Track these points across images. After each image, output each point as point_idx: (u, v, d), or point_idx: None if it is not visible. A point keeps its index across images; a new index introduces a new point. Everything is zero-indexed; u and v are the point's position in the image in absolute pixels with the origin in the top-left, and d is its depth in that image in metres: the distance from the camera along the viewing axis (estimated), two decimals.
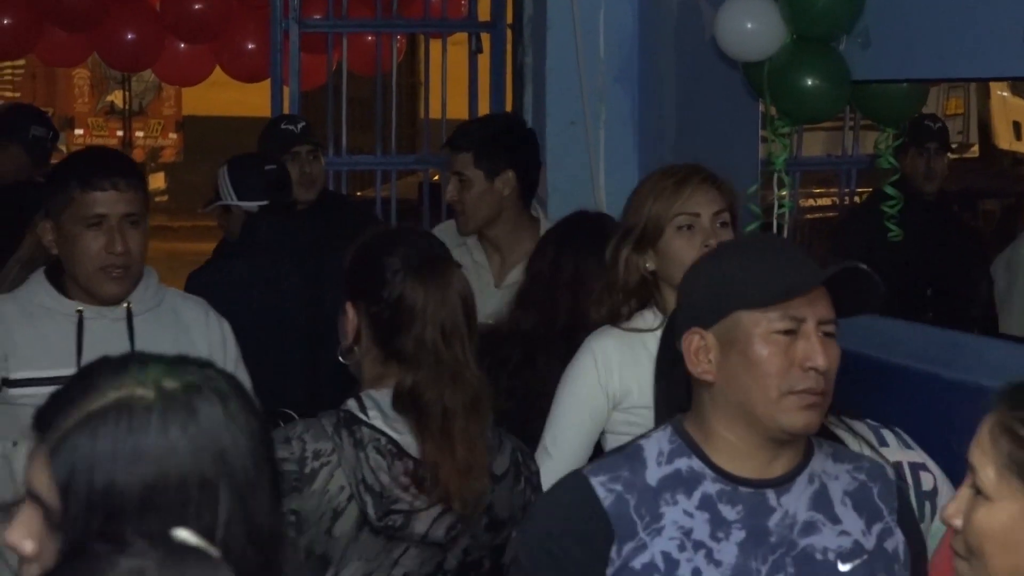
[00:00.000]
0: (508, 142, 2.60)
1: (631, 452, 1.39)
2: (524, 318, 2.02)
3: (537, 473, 1.70)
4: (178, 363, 0.84)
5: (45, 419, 0.79)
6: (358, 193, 3.91)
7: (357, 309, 1.57)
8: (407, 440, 1.51)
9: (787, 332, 1.25)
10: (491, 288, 2.51)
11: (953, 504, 1.05)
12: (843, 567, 1.32)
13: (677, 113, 3.01)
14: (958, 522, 1.01)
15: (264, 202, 2.85)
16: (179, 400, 0.80)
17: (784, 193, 2.65)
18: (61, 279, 2.01)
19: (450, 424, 1.52)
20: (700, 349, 1.30)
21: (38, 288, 2.03)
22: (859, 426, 1.73)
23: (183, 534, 0.70)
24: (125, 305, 1.94)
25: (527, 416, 1.88)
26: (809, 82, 2.45)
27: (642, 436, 1.43)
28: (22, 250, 2.64)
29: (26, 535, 0.79)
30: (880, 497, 1.37)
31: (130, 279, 1.93)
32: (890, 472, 1.45)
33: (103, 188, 1.85)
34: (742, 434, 1.30)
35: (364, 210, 3.46)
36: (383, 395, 1.53)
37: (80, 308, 1.97)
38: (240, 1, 5.07)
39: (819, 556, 1.32)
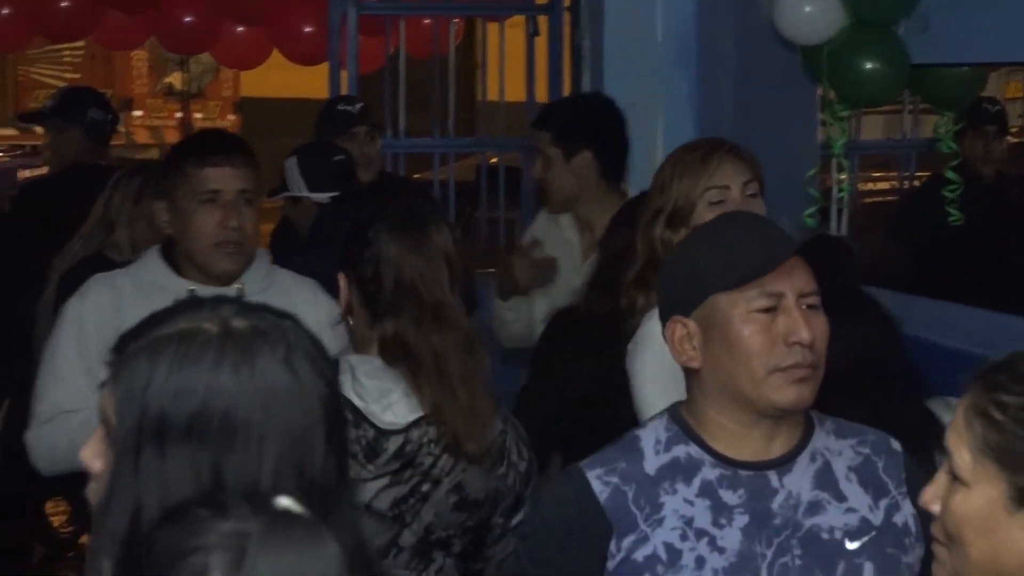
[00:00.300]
0: (586, 122, 2.62)
1: (628, 443, 1.37)
2: (598, 301, 2.03)
3: (530, 462, 1.67)
4: (256, 308, 0.86)
5: (123, 343, 0.83)
6: (415, 176, 4.01)
7: (348, 278, 1.58)
8: (373, 408, 1.50)
9: (767, 310, 1.24)
10: (578, 264, 2.55)
11: (931, 489, 1.02)
12: (851, 545, 1.30)
13: (735, 96, 3.04)
14: (936, 507, 0.99)
15: (335, 193, 2.87)
16: (240, 340, 0.81)
17: (843, 177, 2.66)
18: (175, 258, 2.02)
19: (444, 366, 1.51)
20: (683, 337, 1.29)
21: (152, 265, 2.05)
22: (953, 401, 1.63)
23: (285, 502, 0.70)
24: (238, 285, 1.93)
25: (612, 399, 1.87)
26: (867, 66, 2.47)
27: (638, 426, 1.43)
28: (85, 227, 2.76)
29: (96, 454, 0.84)
30: (886, 471, 1.35)
31: (243, 256, 1.93)
32: (895, 444, 1.41)
33: (218, 164, 1.87)
34: (736, 417, 1.28)
35: (422, 192, 3.52)
36: (363, 359, 1.53)
37: (192, 287, 1.92)
38: None
39: (825, 536, 1.30)
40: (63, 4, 5.13)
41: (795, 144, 2.79)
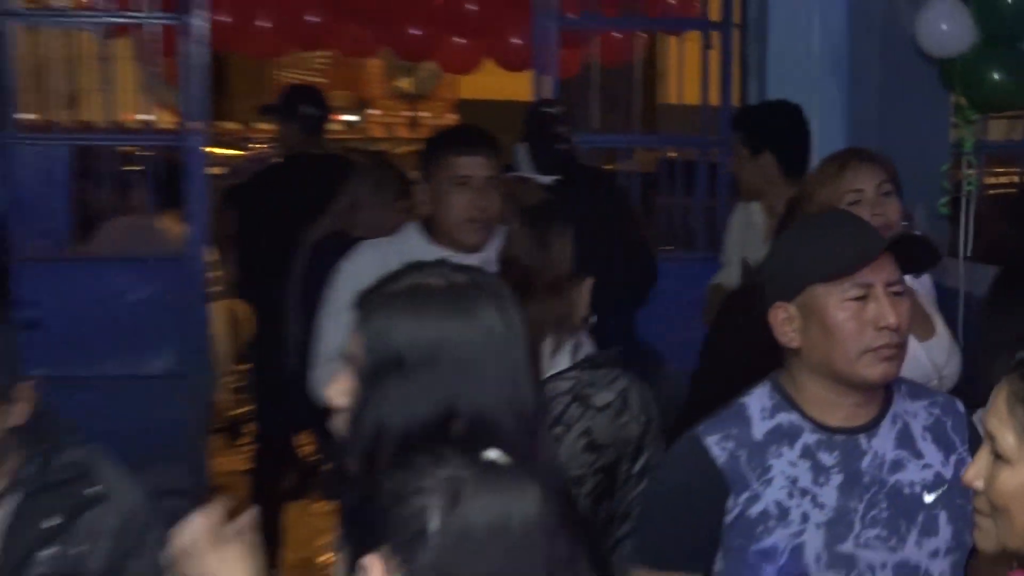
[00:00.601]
0: (768, 127, 2.87)
1: (737, 410, 1.44)
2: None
3: (650, 422, 1.75)
4: (468, 268, 0.98)
5: (364, 299, 0.94)
6: (607, 166, 4.41)
7: None
8: None
9: (859, 298, 1.31)
10: (761, 246, 2.72)
11: (973, 469, 1.07)
12: (928, 498, 1.39)
13: (880, 102, 3.30)
14: (979, 484, 1.04)
15: (559, 176, 3.10)
16: (462, 292, 0.90)
17: (971, 172, 2.88)
18: (431, 232, 2.26)
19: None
20: (784, 320, 1.36)
21: (412, 236, 2.28)
22: None
23: (493, 454, 0.76)
24: (482, 254, 2.13)
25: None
26: (995, 77, 2.69)
27: (743, 395, 1.48)
28: (335, 205, 3.05)
29: (342, 392, 0.93)
30: (953, 430, 1.42)
31: (488, 231, 2.14)
32: (959, 405, 1.48)
33: (470, 154, 2.11)
34: (830, 389, 1.35)
35: (611, 179, 3.85)
36: None
37: (444, 255, 2.02)
38: (507, 1, 5.57)
39: (907, 490, 1.38)
40: (310, 19, 5.62)
41: (930, 143, 3.05)
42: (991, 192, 3.82)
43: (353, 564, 0.86)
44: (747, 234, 2.87)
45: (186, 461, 3.22)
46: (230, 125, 6.89)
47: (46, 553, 1.43)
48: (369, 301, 0.93)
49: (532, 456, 0.88)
